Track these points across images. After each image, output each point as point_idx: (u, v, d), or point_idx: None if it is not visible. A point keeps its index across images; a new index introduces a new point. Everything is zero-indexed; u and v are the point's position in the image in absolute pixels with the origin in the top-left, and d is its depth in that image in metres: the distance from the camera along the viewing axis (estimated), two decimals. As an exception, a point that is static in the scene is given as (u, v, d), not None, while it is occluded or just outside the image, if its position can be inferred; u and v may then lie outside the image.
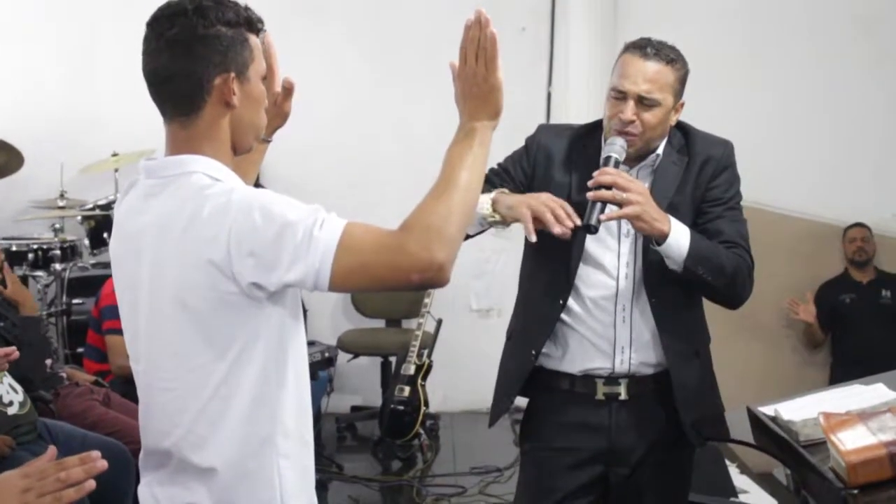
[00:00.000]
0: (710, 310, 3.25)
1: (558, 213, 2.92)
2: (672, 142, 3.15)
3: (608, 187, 2.88)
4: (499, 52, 2.14)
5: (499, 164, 3.25)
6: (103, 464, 1.90)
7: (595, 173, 2.91)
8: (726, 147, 3.18)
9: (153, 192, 2.15)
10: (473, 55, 2.15)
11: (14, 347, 3.42)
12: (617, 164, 2.96)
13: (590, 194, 2.88)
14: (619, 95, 3.03)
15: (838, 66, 7.24)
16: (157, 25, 2.12)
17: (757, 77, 7.29)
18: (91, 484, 1.89)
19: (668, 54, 3.04)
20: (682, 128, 3.19)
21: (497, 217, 3.04)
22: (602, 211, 2.88)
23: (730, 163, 3.16)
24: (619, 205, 2.88)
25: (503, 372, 3.35)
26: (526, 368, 3.20)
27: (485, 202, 3.03)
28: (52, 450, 1.98)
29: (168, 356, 2.14)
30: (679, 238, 2.95)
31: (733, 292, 3.10)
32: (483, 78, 2.15)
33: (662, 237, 2.93)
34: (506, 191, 3.10)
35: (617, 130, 3.03)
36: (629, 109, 3.00)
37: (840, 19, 7.25)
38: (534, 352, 3.17)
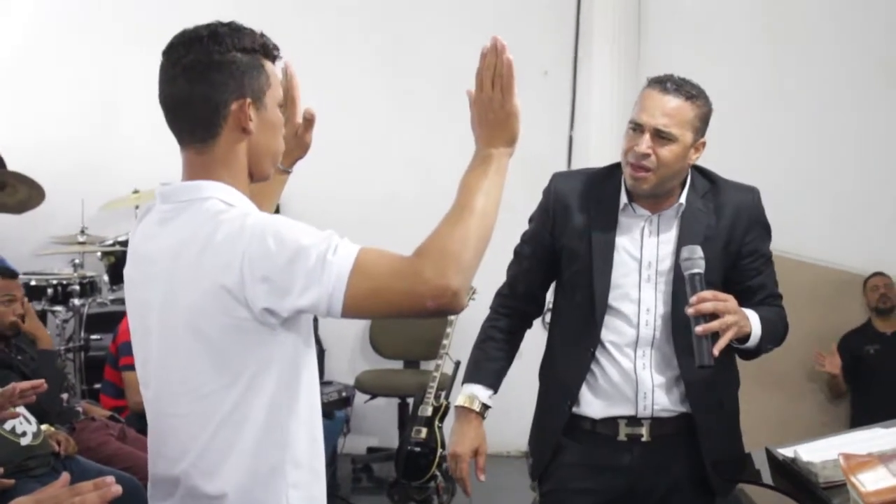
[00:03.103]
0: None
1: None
2: (696, 187, 3.12)
3: (707, 315, 2.81)
4: (515, 79, 2.13)
5: (525, 238, 3.29)
6: (118, 489, 1.87)
7: (693, 300, 2.82)
8: (755, 195, 3.16)
9: (168, 217, 2.15)
10: (490, 81, 2.13)
11: (43, 380, 3.42)
12: (702, 281, 2.88)
13: (699, 329, 2.79)
14: (636, 128, 3.00)
15: (862, 113, 7.22)
16: (173, 52, 2.13)
17: (781, 121, 7.27)
18: None
19: (688, 91, 3.01)
20: (706, 174, 3.16)
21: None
22: (711, 342, 2.80)
23: (760, 211, 3.16)
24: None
25: (541, 423, 3.32)
26: (563, 420, 3.17)
27: (462, 401, 3.23)
28: (65, 476, 1.95)
29: (179, 382, 2.12)
30: (756, 331, 2.97)
31: (778, 345, 3.14)
32: (499, 104, 2.14)
33: (747, 337, 2.95)
34: (474, 408, 3.23)
35: (631, 164, 3.01)
36: (644, 142, 2.97)
37: (866, 65, 7.23)
38: (570, 402, 3.14)
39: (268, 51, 2.17)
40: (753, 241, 3.12)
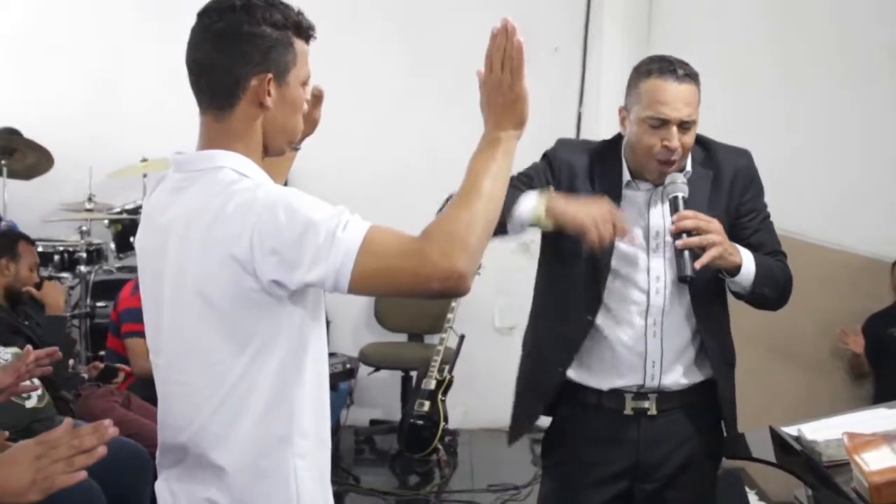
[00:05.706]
0: (744, 336, 3.33)
1: (612, 232, 2.87)
2: (694, 155, 3.13)
3: (689, 232, 2.89)
4: (525, 61, 2.12)
5: (521, 173, 3.15)
6: (115, 430, 1.93)
7: (674, 218, 2.92)
8: (748, 157, 3.20)
9: (181, 186, 2.16)
10: (499, 63, 2.13)
11: (56, 348, 3.46)
12: (685, 202, 2.96)
13: (678, 243, 2.89)
14: (660, 123, 2.97)
15: (874, 93, 7.16)
16: (206, 17, 2.14)
17: (791, 101, 7.21)
18: (102, 450, 1.91)
19: (693, 71, 3.02)
20: (698, 141, 3.15)
21: (549, 223, 2.93)
22: (694, 258, 2.88)
23: (755, 173, 3.20)
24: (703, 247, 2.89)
25: (524, 389, 3.30)
26: (551, 386, 3.17)
27: (535, 205, 2.93)
28: (68, 420, 2.00)
29: (188, 350, 2.14)
30: (748, 265, 2.99)
31: (782, 300, 3.17)
32: (508, 86, 2.13)
33: (736, 269, 2.97)
34: (553, 192, 2.99)
35: (662, 160, 3.00)
36: (675, 137, 2.96)
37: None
38: (560, 369, 3.14)
39: (300, 29, 2.17)
40: (750, 200, 3.16)
